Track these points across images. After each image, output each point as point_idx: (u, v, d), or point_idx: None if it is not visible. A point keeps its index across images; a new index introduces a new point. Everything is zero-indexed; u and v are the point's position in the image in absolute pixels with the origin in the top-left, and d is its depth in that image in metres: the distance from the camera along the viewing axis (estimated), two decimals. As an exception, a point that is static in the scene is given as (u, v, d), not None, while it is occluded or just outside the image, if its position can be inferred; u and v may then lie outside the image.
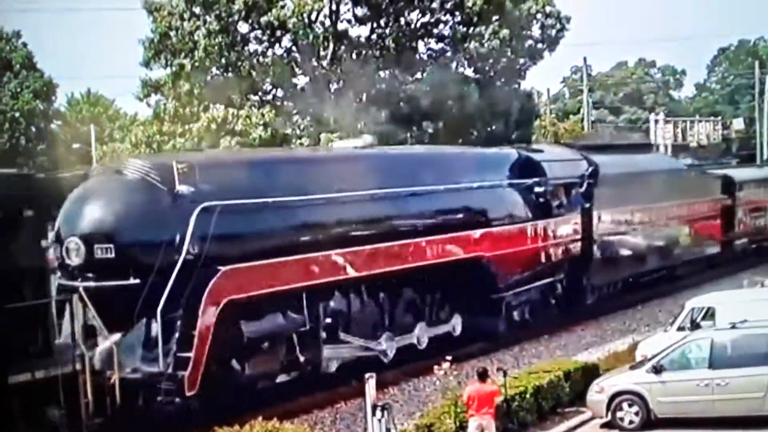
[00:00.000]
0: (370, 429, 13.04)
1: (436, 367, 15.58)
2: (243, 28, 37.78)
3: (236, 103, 37.03)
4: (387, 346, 19.10)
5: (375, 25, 38.66)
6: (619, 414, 15.68)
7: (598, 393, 16.03)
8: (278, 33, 37.47)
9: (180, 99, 37.67)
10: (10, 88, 56.43)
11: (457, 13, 38.53)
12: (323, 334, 17.62)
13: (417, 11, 38.69)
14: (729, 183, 34.72)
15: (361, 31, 38.95)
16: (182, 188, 15.19)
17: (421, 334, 20.12)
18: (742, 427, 14.90)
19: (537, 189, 23.64)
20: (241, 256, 15.56)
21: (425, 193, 20.30)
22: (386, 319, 19.35)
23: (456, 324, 21.10)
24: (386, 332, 19.13)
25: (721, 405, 15.11)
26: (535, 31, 42.20)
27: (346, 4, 38.07)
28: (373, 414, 12.97)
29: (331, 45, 37.48)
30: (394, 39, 37.98)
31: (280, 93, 39.54)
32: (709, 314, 17.95)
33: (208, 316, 14.67)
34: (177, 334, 14.39)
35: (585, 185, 25.37)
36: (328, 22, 37.87)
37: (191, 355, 14.31)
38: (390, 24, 38.40)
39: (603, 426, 16.00)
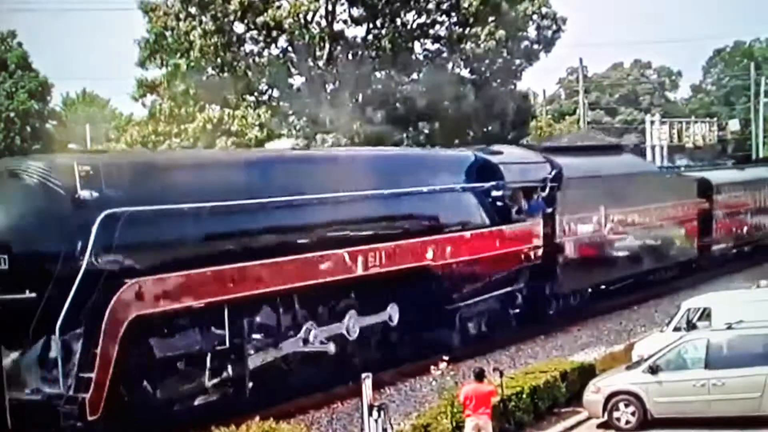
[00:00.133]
0: (366, 429, 13.00)
1: (432, 367, 15.58)
2: (239, 28, 37.80)
3: (232, 104, 37.02)
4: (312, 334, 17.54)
5: (371, 25, 38.67)
6: (615, 414, 15.67)
7: (594, 393, 16.02)
8: (274, 33, 37.45)
9: (175, 99, 37.65)
10: (5, 88, 56.39)
11: (453, 13, 38.57)
12: (249, 353, 16.12)
13: (413, 12, 38.72)
14: (706, 186, 33.45)
15: (357, 32, 39.03)
16: (84, 193, 13.90)
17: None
18: (739, 428, 14.90)
19: (494, 193, 22.40)
20: (151, 267, 14.26)
21: (365, 198, 18.86)
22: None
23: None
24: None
25: (717, 405, 15.12)
26: (531, 32, 42.33)
27: (342, 4, 38.09)
28: (370, 414, 12.93)
29: (327, 45, 37.47)
30: (390, 40, 37.99)
31: (276, 93, 39.56)
32: (705, 315, 17.96)
33: (112, 334, 13.45)
34: (78, 353, 13.29)
35: (547, 189, 24.17)
36: (324, 23, 37.88)
37: (92, 375, 13.15)
38: (386, 24, 38.41)
39: (599, 426, 15.99)
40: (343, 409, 16.80)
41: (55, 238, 13.83)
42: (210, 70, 38.21)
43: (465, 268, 20.87)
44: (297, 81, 39.25)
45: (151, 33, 37.98)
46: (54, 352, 13.35)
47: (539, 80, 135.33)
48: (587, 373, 17.48)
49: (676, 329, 17.89)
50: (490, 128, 40.91)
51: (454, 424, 14.13)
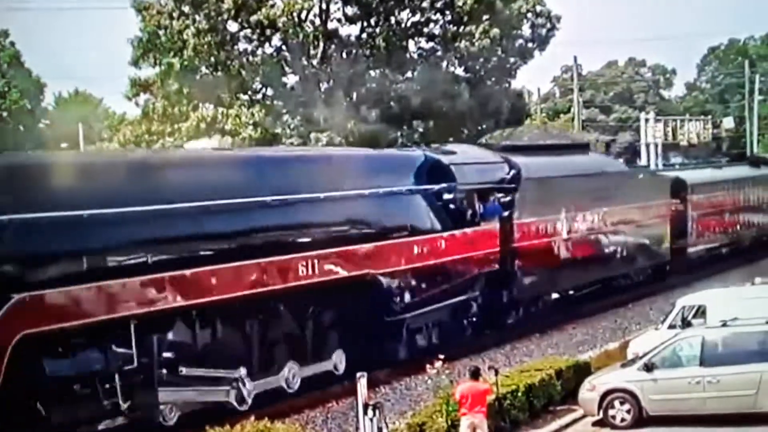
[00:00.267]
0: (361, 428, 12.98)
1: (428, 365, 15.55)
2: (232, 26, 37.74)
3: (226, 102, 36.97)
4: (245, 390, 16.19)
5: (365, 24, 38.64)
6: (610, 412, 15.67)
7: (589, 391, 16.02)
8: (268, 32, 37.41)
9: (169, 98, 37.58)
10: (-2, 87, 56.37)
11: (447, 12, 38.57)
12: (159, 373, 14.77)
13: (407, 10, 38.71)
14: (680, 186, 32.12)
15: (351, 30, 39.01)
16: None
17: (290, 375, 17.33)
18: (734, 425, 14.91)
19: (446, 196, 21.12)
20: (43, 281, 13.05)
21: (297, 202, 17.29)
22: (242, 357, 16.44)
23: (339, 358, 18.36)
24: (242, 373, 16.18)
25: (712, 402, 15.12)
26: (526, 30, 42.33)
27: (336, 3, 38.07)
28: (365, 413, 12.92)
29: (321, 44, 37.44)
30: (385, 38, 37.97)
31: (269, 92, 39.50)
32: (700, 312, 17.98)
33: None
34: None
35: (505, 191, 23.02)
36: (318, 21, 37.83)
37: None
38: (380, 23, 38.40)
39: (595, 424, 15.99)
40: (338, 408, 16.78)
41: None
42: (204, 69, 38.16)
43: (411, 276, 19.62)
44: (291, 80, 39.25)
45: (145, 32, 37.88)
46: None
47: (534, 78, 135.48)
48: (582, 371, 17.48)
49: (671, 327, 17.90)
50: (484, 126, 40.95)
51: (449, 422, 14.11)
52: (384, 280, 18.98)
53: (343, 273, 17.97)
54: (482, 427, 13.73)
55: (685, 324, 17.81)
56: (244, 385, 16.20)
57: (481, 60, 39.92)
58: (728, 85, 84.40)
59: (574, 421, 16.29)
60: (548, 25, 42.18)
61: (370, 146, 26.23)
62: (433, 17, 39.05)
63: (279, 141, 36.45)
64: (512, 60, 42.05)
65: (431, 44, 39.96)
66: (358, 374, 13.13)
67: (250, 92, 38.90)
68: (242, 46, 38.62)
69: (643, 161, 49.10)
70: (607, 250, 27.48)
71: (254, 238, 16.59)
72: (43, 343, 13.15)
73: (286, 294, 16.94)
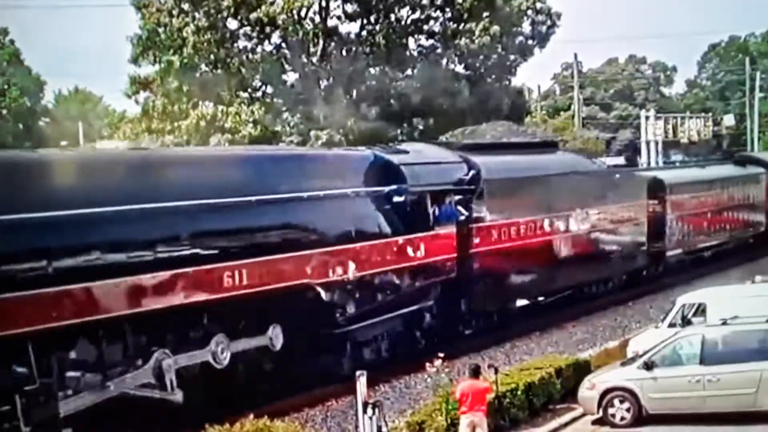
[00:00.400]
0: (361, 426, 12.97)
1: (428, 364, 15.52)
2: (232, 24, 37.76)
3: (225, 100, 36.99)
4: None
5: (365, 21, 38.65)
6: (610, 410, 15.63)
7: (589, 389, 15.99)
8: (267, 29, 37.43)
9: (169, 96, 37.61)
10: (-3, 85, 56.39)
11: (447, 9, 38.60)
12: (63, 393, 13.36)
13: (407, 8, 38.74)
14: (658, 186, 30.56)
15: (350, 28, 39.06)
16: None
17: None
18: (734, 423, 14.89)
19: (395, 199, 19.67)
20: None
21: (222, 207, 15.81)
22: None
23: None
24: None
25: (712, 401, 15.09)
26: (526, 27, 42.38)
27: (336, 0, 38.05)
28: (364, 411, 12.90)
29: (321, 42, 37.45)
30: (384, 35, 37.98)
31: (269, 90, 39.52)
32: (700, 310, 17.95)
33: None
34: None
35: (462, 193, 21.50)
36: (317, 19, 37.84)
37: None
38: (380, 20, 38.40)
39: (594, 422, 15.96)
40: (337, 407, 16.76)
41: None
42: (203, 67, 38.19)
43: (356, 285, 18.28)
44: (291, 77, 39.29)
45: (144, 29, 37.91)
46: None
47: (534, 76, 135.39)
48: (582, 369, 17.45)
49: (671, 325, 17.86)
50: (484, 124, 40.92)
51: (448, 421, 14.10)
52: (325, 290, 17.61)
53: (276, 284, 16.45)
54: (482, 426, 13.71)
55: (686, 322, 17.77)
56: None
57: (481, 57, 39.94)
58: (729, 83, 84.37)
59: (574, 419, 16.25)
60: (548, 23, 42.21)
61: (370, 144, 26.10)
62: (433, 14, 39.09)
63: (279, 139, 36.49)
64: (512, 57, 42.08)
65: (431, 41, 39.99)
66: (358, 373, 13.11)
67: (249, 90, 38.95)
68: (242, 43, 38.70)
69: (643, 158, 49.12)
70: (576, 255, 25.52)
71: (170, 247, 14.93)
72: None
73: (212, 306, 15.48)
